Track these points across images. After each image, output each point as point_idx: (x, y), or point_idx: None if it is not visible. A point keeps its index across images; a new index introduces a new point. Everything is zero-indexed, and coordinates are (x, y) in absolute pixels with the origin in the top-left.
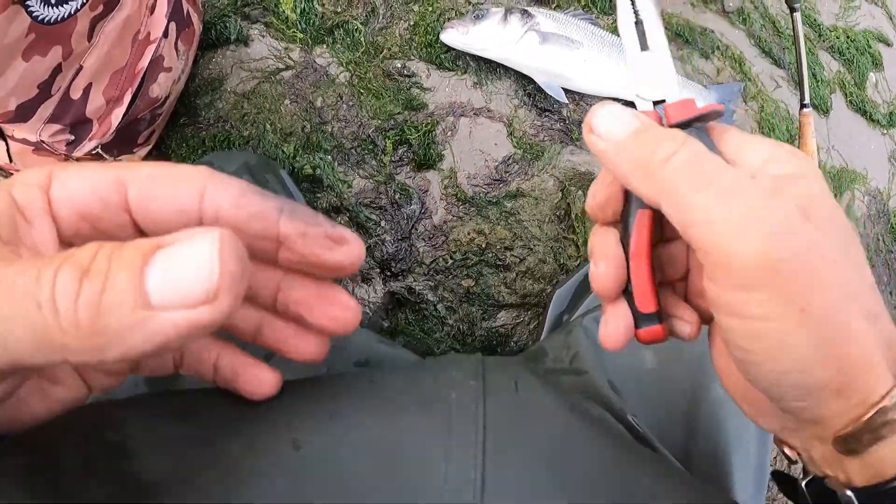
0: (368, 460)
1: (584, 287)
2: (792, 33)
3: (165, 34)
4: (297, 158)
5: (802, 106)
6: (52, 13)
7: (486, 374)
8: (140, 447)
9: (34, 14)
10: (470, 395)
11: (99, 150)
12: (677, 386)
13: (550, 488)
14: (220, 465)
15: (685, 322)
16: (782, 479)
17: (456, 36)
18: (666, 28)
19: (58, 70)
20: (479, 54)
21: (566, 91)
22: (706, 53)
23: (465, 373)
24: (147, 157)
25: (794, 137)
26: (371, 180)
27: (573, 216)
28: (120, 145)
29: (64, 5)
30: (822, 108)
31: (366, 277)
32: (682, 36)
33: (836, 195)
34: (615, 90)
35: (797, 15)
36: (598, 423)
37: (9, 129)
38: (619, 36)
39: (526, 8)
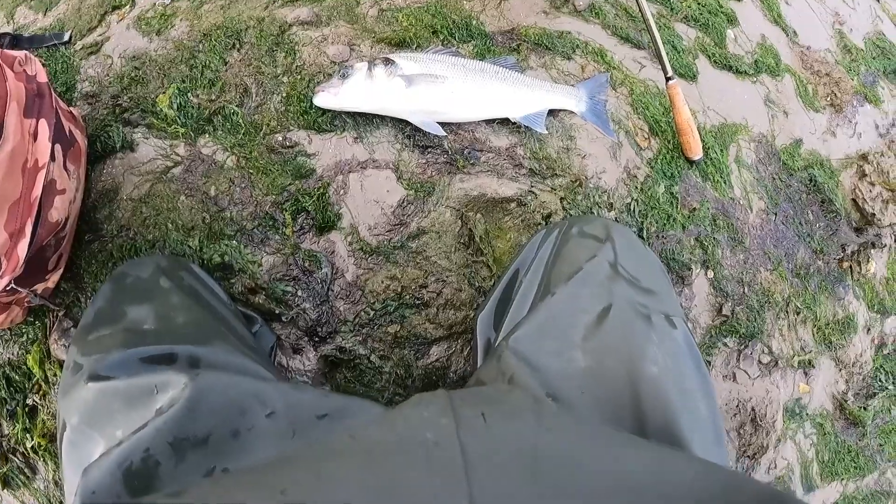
0: None
1: (503, 304)
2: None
3: (53, 157)
4: (205, 250)
5: (667, 79)
6: None
7: (455, 410)
8: None
9: None
10: (444, 432)
11: (12, 285)
12: (614, 375)
13: (537, 499)
14: None
15: None
16: None
17: (327, 98)
18: (524, 41)
19: None
20: (354, 110)
21: (443, 124)
22: (567, 54)
23: (435, 412)
24: (59, 281)
25: (668, 110)
26: (279, 254)
27: (477, 238)
28: (31, 276)
29: None
30: (689, 75)
31: (296, 349)
32: (541, 44)
33: (721, 151)
34: (487, 113)
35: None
36: (564, 427)
37: None
38: (481, 60)
39: (388, 56)
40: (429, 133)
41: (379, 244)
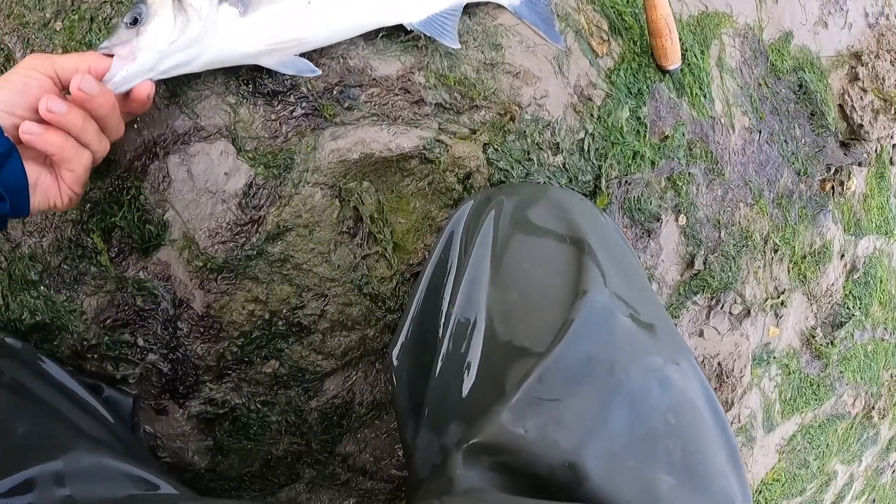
0: None
1: (422, 339)
2: None
3: None
4: (12, 308)
5: None
6: None
7: None
8: None
9: None
10: None
11: None
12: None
13: None
14: None
15: None
16: None
17: (125, 68)
18: None
19: None
20: (171, 75)
21: (307, 56)
22: None
23: None
24: None
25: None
26: (100, 294)
27: (366, 219)
28: None
29: None
30: None
31: (160, 410)
32: None
33: (702, 51)
34: (367, 22)
35: None
36: None
37: None
38: None
39: None
40: (277, 74)
41: (227, 256)
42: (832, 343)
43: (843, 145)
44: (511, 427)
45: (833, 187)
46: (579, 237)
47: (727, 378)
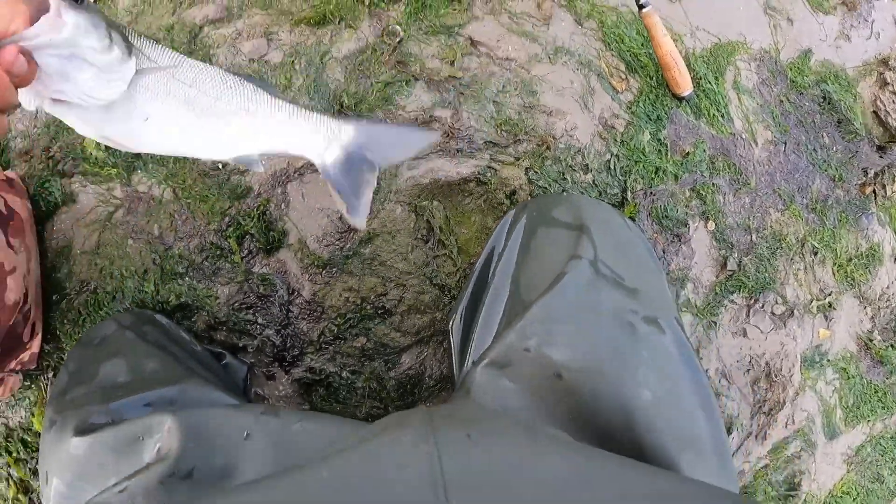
0: None
1: (475, 302)
2: None
3: None
4: (161, 293)
5: (640, 7)
6: None
7: (437, 433)
8: None
9: None
10: (424, 461)
11: None
12: (606, 402)
13: None
14: None
15: None
16: None
17: (49, 36)
18: None
19: None
20: (60, 95)
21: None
22: None
23: (414, 437)
24: (42, 344)
25: (647, 40)
26: (232, 284)
27: (437, 230)
28: (10, 352)
29: None
30: None
31: (269, 375)
32: None
33: (716, 78)
34: (190, 150)
35: None
36: (552, 453)
37: None
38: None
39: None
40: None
41: (331, 256)
42: (893, 346)
43: (880, 149)
44: (517, 344)
45: (875, 190)
46: (583, 223)
47: (775, 377)
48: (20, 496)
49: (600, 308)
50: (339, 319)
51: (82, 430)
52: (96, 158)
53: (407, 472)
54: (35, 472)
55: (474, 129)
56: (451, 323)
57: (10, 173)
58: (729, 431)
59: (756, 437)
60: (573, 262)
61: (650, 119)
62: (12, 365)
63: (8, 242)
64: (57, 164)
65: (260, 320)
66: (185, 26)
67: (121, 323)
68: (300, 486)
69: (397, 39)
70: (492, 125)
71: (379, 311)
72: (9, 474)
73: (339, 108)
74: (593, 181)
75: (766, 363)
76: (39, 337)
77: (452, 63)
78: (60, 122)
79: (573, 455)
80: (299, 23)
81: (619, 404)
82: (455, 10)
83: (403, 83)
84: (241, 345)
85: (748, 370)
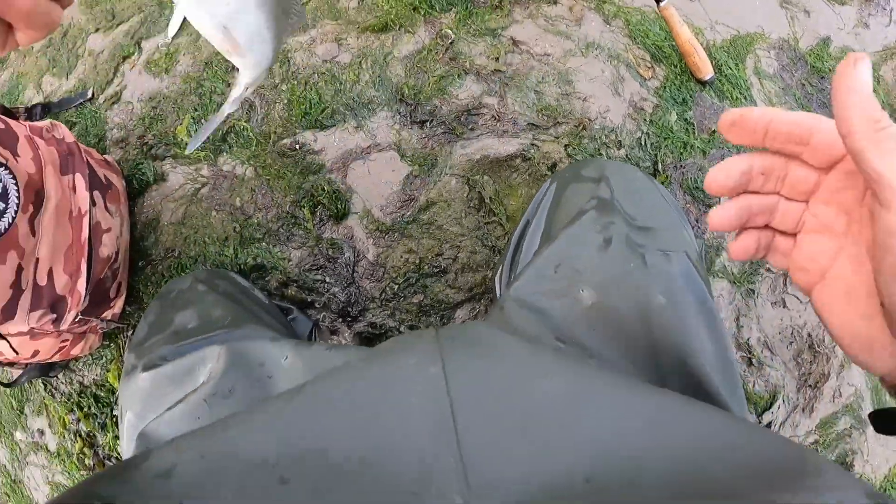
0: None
1: (514, 261)
2: None
3: (93, 203)
4: (239, 256)
5: (657, 1)
6: None
7: (444, 354)
8: None
9: None
10: (432, 382)
11: (80, 316)
12: (624, 306)
13: (529, 454)
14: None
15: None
16: (883, 416)
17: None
18: None
19: (20, 269)
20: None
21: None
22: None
23: (422, 358)
24: (124, 305)
25: (669, 34)
26: (304, 248)
27: (488, 200)
28: (97, 306)
29: (1, 219)
30: None
31: (333, 330)
32: None
33: (736, 65)
34: None
35: None
36: (561, 372)
37: (3, 329)
38: None
39: None
40: (425, 108)
41: (393, 222)
42: None
43: None
44: (544, 266)
45: None
46: (604, 175)
47: (818, 348)
48: (86, 450)
49: (616, 235)
50: (399, 278)
51: (148, 367)
52: (186, 143)
53: (416, 386)
54: (103, 426)
55: (518, 114)
56: (496, 277)
57: (107, 157)
58: (774, 402)
59: (803, 409)
60: (592, 201)
61: (676, 101)
62: (95, 322)
63: (106, 206)
64: (150, 149)
65: (328, 279)
66: None
67: (196, 277)
68: (314, 397)
69: (449, 41)
70: (533, 110)
71: (435, 270)
72: (77, 429)
73: (401, 98)
74: (626, 155)
75: (808, 334)
76: (123, 298)
77: (497, 59)
78: (153, 113)
79: (578, 369)
80: (365, 30)
81: (636, 306)
82: (498, 15)
83: (455, 76)
84: (309, 300)
85: (791, 342)
